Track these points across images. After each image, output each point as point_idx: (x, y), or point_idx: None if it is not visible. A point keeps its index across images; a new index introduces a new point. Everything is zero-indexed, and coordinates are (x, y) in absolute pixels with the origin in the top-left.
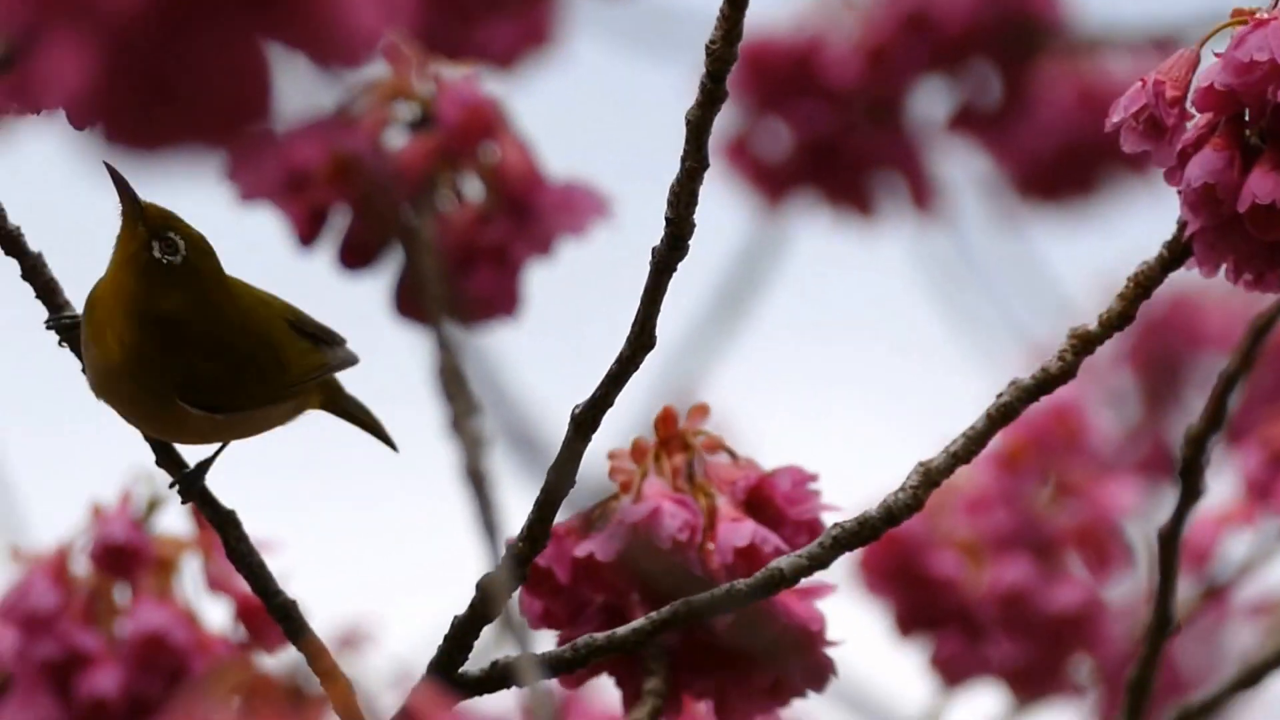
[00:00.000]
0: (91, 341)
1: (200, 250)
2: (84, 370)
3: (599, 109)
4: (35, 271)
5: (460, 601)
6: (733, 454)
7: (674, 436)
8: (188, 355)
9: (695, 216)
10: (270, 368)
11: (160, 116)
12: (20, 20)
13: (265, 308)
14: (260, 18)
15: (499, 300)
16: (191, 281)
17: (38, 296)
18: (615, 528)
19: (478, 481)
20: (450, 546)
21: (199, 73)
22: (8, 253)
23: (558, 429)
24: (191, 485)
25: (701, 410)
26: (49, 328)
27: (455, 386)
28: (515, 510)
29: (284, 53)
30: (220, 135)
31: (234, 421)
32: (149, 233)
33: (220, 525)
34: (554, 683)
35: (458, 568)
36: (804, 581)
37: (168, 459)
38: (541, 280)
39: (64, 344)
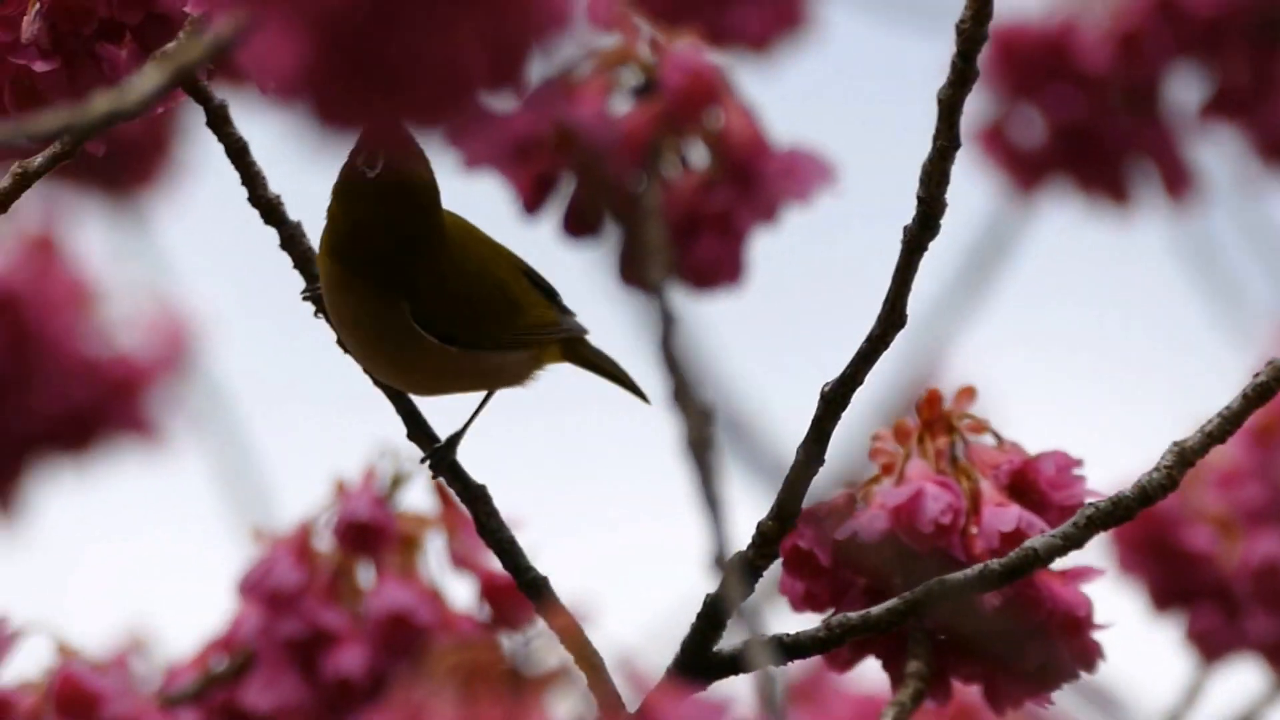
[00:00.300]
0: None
1: (400, 176)
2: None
3: (853, 86)
4: (293, 241)
5: (687, 577)
6: (998, 437)
7: (938, 418)
8: (406, 271)
9: (946, 196)
10: (501, 305)
11: (379, 92)
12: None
13: (495, 251)
14: None
15: (723, 268)
16: (385, 198)
17: (295, 266)
18: (877, 510)
19: (700, 453)
20: (672, 520)
21: (418, 47)
22: (266, 221)
23: (777, 402)
24: (442, 460)
25: (968, 393)
26: (305, 298)
27: (677, 356)
28: (738, 486)
29: (503, 23)
30: (440, 110)
31: (469, 360)
32: (364, 147)
33: (470, 501)
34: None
35: (680, 542)
36: (1067, 565)
37: (419, 432)
38: (771, 248)
39: (319, 314)
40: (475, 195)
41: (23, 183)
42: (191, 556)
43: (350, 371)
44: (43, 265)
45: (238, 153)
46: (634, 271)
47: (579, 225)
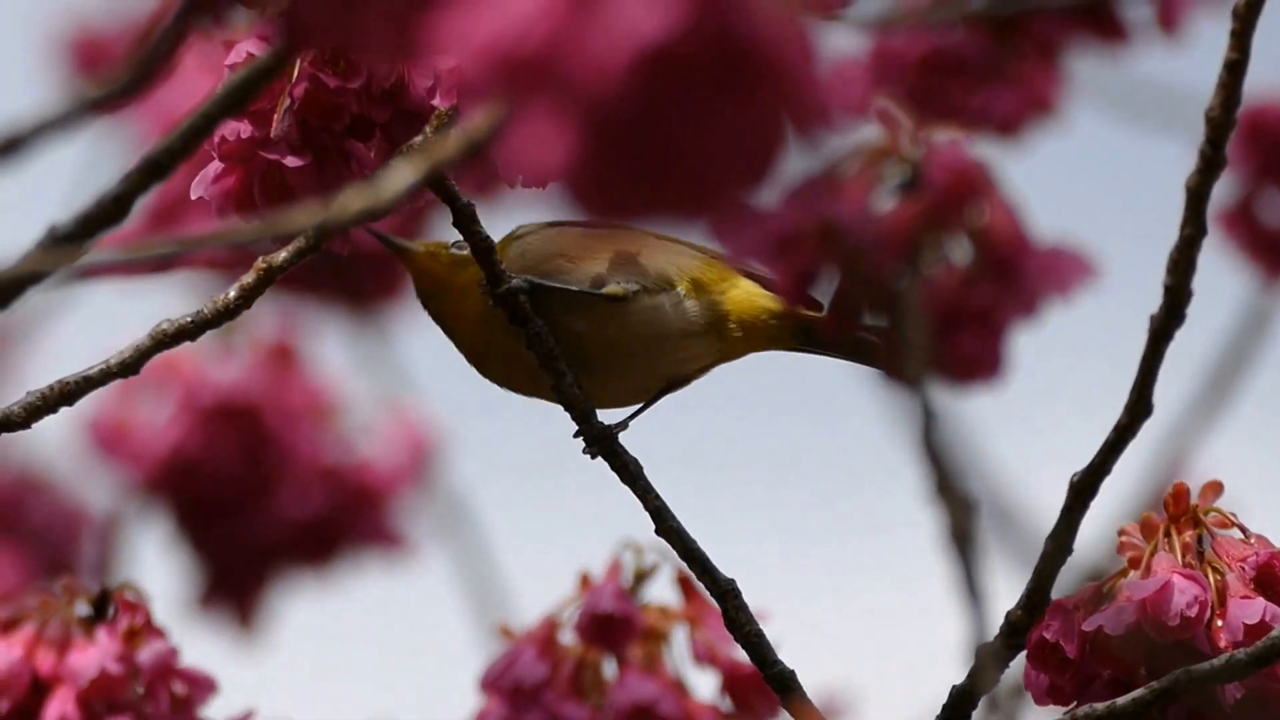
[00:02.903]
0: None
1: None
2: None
3: (1094, 176)
4: (539, 339)
5: (943, 668)
6: (1244, 531)
7: (1185, 512)
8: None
9: (1193, 284)
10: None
11: (644, 186)
12: (496, 92)
13: None
14: (742, 82)
15: (983, 363)
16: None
17: (541, 365)
18: (1124, 602)
19: (962, 547)
20: (931, 613)
21: (683, 142)
22: (512, 320)
23: (1039, 496)
24: (600, 441)
25: (1214, 487)
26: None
27: (939, 450)
28: (999, 578)
29: (769, 118)
30: (704, 204)
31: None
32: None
33: (719, 595)
34: None
35: (939, 635)
36: None
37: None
38: (1027, 343)
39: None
40: None
41: (267, 278)
42: (435, 662)
43: (590, 467)
44: (282, 374)
45: (484, 252)
46: (895, 366)
47: (842, 320)
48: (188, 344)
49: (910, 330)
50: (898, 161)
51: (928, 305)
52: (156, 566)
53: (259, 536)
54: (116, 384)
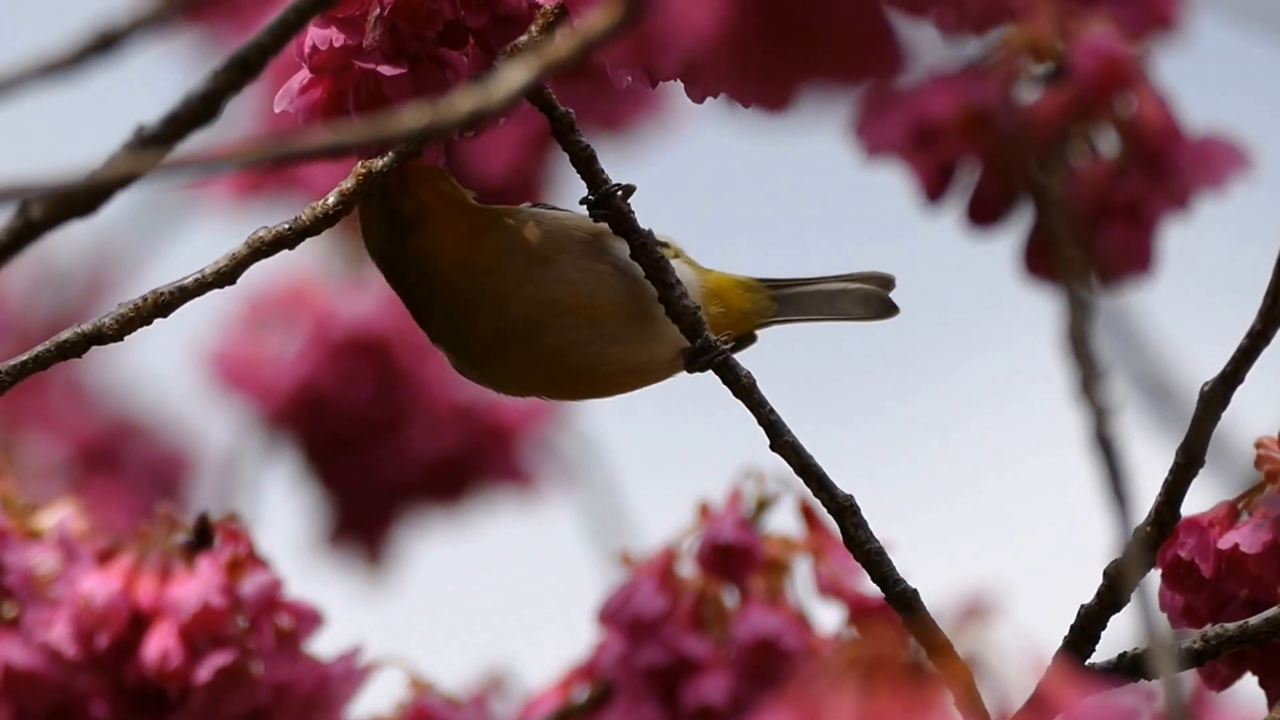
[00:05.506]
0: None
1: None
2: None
3: (1217, 85)
4: (645, 249)
5: (1088, 583)
6: None
7: None
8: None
9: None
10: None
11: (789, 67)
12: None
13: None
14: None
15: (1133, 258)
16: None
17: (647, 276)
18: (1262, 518)
19: (1107, 450)
20: (1079, 518)
21: (830, 20)
22: (616, 231)
23: (1193, 398)
24: (712, 354)
25: None
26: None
27: (1085, 349)
28: (1148, 480)
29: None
30: (849, 86)
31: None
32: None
33: (837, 513)
34: (1188, 677)
35: (1087, 541)
36: None
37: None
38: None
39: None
40: (877, 183)
41: (367, 182)
42: (560, 601)
43: (718, 397)
44: None
45: (585, 161)
46: (1041, 262)
47: (984, 214)
48: (321, 281)
49: (1056, 225)
50: (1042, 50)
51: (1075, 199)
52: (282, 504)
53: (389, 474)
54: (243, 317)
